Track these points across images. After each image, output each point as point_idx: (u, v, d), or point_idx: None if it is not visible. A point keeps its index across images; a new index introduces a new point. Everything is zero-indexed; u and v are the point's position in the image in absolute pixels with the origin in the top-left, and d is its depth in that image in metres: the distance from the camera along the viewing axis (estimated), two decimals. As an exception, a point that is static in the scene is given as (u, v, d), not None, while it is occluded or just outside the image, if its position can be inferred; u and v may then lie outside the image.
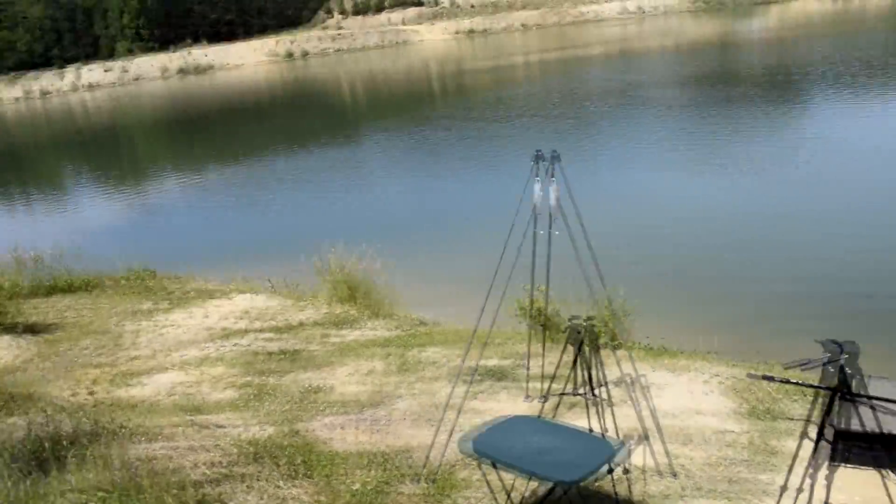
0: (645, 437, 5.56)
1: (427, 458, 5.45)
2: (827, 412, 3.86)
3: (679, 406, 6.46)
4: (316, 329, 9.76)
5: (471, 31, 75.41)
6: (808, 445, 5.50)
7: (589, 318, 4.73)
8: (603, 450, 4.07)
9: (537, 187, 5.26)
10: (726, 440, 5.87)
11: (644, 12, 76.17)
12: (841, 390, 3.71)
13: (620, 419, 6.08)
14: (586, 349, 4.81)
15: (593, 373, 5.13)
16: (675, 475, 5.23)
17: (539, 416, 5.43)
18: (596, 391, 5.04)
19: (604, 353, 7.21)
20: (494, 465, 4.02)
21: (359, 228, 14.83)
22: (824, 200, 14.31)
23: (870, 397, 3.79)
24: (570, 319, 4.90)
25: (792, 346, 8.14)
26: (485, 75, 44.72)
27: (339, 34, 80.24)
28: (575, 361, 5.03)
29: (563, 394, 5.47)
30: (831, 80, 28.41)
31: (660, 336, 8.44)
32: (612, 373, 6.99)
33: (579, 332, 4.74)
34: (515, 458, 3.97)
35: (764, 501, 4.97)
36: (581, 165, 18.82)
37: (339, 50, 76.86)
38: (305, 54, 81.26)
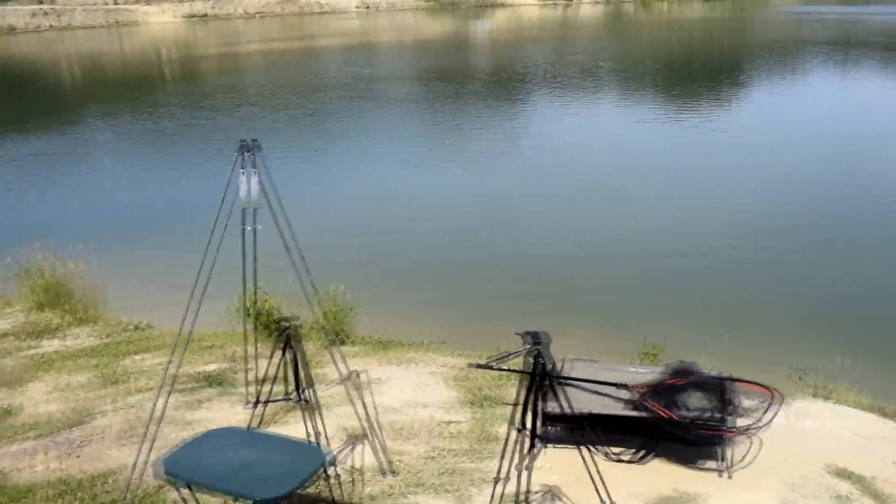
0: (363, 437, 5.45)
1: (124, 480, 4.93)
2: (517, 397, 3.94)
3: (404, 400, 6.43)
4: (10, 341, 8.63)
5: (192, 16, 71.77)
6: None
7: (290, 318, 4.47)
8: (309, 458, 3.84)
9: (243, 180, 4.90)
10: (449, 431, 5.91)
11: (368, 7, 77.03)
12: (535, 375, 3.79)
13: (340, 419, 5.92)
14: (290, 350, 4.53)
15: (308, 373, 4.87)
16: (392, 473, 5.15)
17: (235, 427, 5.10)
18: (307, 393, 4.78)
19: (329, 351, 7.03)
20: (189, 487, 3.64)
21: (69, 225, 13.43)
22: (546, 196, 15.15)
23: (553, 378, 3.89)
24: (279, 321, 4.60)
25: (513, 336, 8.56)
26: (213, 62, 42.84)
27: (42, 9, 72.25)
28: (279, 363, 4.75)
29: (267, 401, 5.15)
30: (550, 81, 30.53)
31: (390, 330, 8.40)
32: (335, 371, 6.83)
33: (285, 332, 4.45)
34: (211, 476, 3.62)
35: (478, 490, 5.03)
36: (306, 160, 18.54)
37: (38, 28, 69.22)
38: (13, 29, 72.24)
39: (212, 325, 8.06)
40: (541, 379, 3.76)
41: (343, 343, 7.56)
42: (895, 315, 9.59)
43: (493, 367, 4.19)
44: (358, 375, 6.80)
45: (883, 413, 6.66)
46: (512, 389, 6.62)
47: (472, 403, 6.38)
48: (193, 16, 72.47)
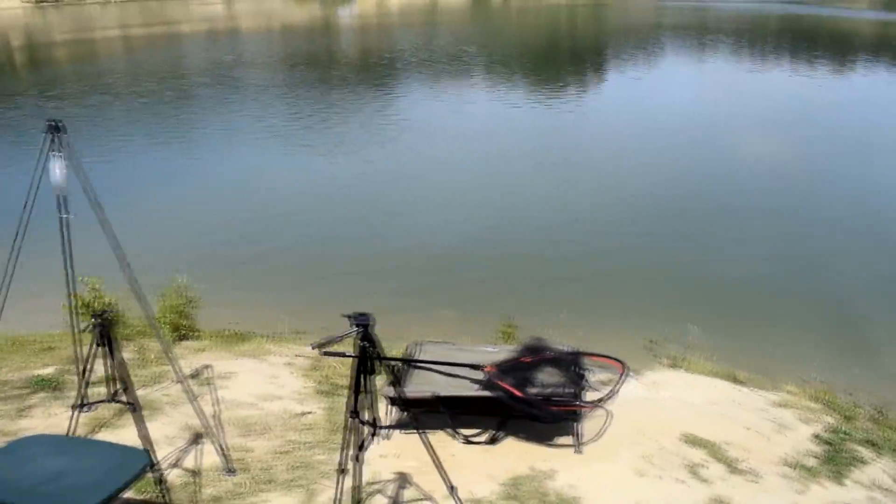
0: (208, 435, 5.10)
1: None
2: (357, 385, 3.70)
3: (257, 393, 6.10)
4: None
5: (42, 1, 67.60)
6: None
7: (103, 313, 4.06)
8: (128, 463, 3.49)
9: (55, 166, 4.43)
10: (302, 423, 5.64)
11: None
12: (365, 360, 3.57)
13: (186, 418, 5.54)
14: (101, 349, 4.12)
15: (125, 371, 4.46)
16: (232, 472, 4.83)
17: (48, 434, 4.64)
18: (128, 393, 4.37)
19: (163, 346, 6.52)
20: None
21: None
22: (412, 181, 14.94)
23: (382, 360, 3.67)
24: (95, 315, 4.16)
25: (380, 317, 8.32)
26: (66, 49, 40.35)
27: None
28: (88, 360, 4.34)
29: (82, 404, 4.69)
30: (419, 66, 30.37)
31: (247, 322, 8.01)
32: (185, 367, 6.42)
33: (93, 327, 4.03)
34: (13, 491, 3.21)
35: (330, 482, 4.77)
36: (163, 149, 17.63)
37: None
38: None
39: (56, 325, 7.47)
40: (362, 361, 3.54)
41: (191, 337, 7.14)
42: (741, 286, 9.95)
43: (331, 352, 3.94)
44: (199, 371, 6.40)
45: (734, 379, 6.86)
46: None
47: (328, 393, 6.13)
48: (43, 1, 68.26)
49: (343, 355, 3.74)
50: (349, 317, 3.49)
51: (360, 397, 3.69)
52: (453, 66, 30.30)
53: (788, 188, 14.19)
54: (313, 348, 3.53)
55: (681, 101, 23.28)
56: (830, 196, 13.66)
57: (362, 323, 3.45)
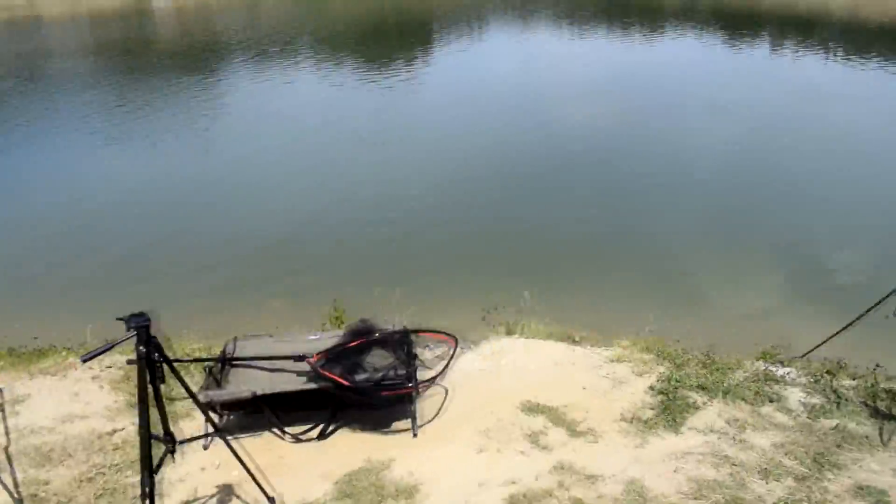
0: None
1: None
2: (144, 396, 3.24)
3: (57, 415, 5.42)
4: None
5: None
6: (195, 427, 5.00)
7: None
8: None
9: None
10: (112, 443, 5.05)
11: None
12: (149, 366, 3.11)
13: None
14: None
15: None
16: (24, 512, 4.23)
17: None
18: None
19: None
20: None
21: None
22: (228, 168, 14.16)
23: (170, 362, 3.23)
24: None
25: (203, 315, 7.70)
26: None
27: None
28: None
29: None
30: (238, 50, 29.05)
31: (48, 335, 7.16)
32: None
33: None
34: None
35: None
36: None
37: None
38: None
39: None
40: (150, 366, 3.09)
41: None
42: (571, 246, 9.99)
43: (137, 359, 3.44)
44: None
45: (570, 339, 6.80)
46: (190, 379, 5.85)
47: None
48: None
49: (133, 361, 3.24)
50: (123, 319, 3.01)
51: (151, 410, 3.23)
52: (276, 47, 29.26)
53: (608, 147, 14.54)
54: (83, 361, 3.00)
55: (505, 72, 23.50)
56: (649, 152, 14.09)
57: (140, 325, 2.97)
